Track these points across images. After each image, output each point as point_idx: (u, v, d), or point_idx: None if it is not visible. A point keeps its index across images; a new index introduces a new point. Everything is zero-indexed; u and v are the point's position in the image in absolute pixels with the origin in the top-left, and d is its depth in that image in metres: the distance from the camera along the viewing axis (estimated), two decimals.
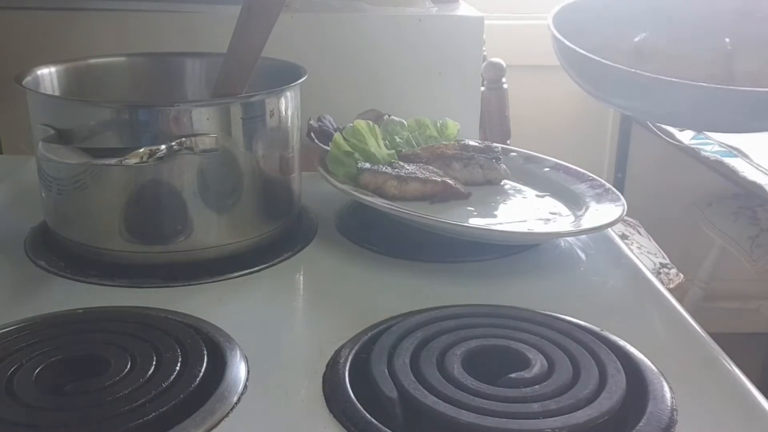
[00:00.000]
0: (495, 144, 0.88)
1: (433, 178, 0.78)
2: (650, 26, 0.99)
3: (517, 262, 0.72)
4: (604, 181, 0.83)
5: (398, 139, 0.87)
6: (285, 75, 0.73)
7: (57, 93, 0.75)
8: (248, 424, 0.47)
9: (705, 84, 0.79)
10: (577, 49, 0.84)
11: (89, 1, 0.98)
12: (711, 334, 0.59)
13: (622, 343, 0.55)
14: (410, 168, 0.79)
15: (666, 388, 0.50)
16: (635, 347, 0.55)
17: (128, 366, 0.50)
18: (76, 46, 0.93)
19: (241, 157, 0.67)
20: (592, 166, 0.90)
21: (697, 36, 0.97)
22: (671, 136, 1.83)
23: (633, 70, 0.81)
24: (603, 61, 0.82)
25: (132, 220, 0.66)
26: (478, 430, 0.45)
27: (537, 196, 0.83)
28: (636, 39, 0.97)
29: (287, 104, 0.70)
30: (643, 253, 1.83)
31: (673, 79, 0.78)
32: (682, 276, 1.81)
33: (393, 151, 0.84)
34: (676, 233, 2.16)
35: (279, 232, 0.73)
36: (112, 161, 0.59)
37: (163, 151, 0.60)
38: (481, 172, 0.84)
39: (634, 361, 0.53)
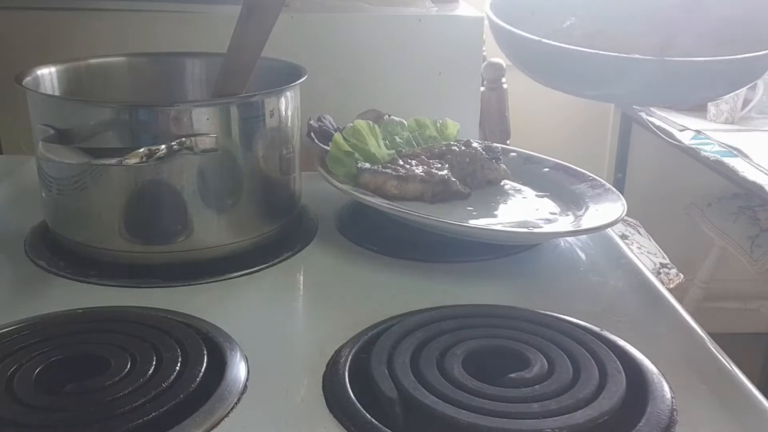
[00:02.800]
0: (495, 144, 0.88)
1: (433, 178, 0.78)
2: (580, 12, 0.98)
3: (517, 262, 0.72)
4: (604, 181, 0.83)
5: (398, 139, 0.86)
6: (285, 75, 0.73)
7: (57, 93, 0.75)
8: (248, 424, 0.47)
9: (632, 55, 0.78)
10: (512, 29, 0.83)
11: (89, 1, 0.98)
12: (711, 334, 0.59)
13: (622, 343, 0.55)
14: (410, 168, 0.79)
15: (666, 388, 0.50)
16: (635, 347, 0.55)
17: (128, 366, 0.50)
18: (76, 46, 0.93)
19: (241, 157, 0.67)
20: (592, 166, 0.90)
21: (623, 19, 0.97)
22: (671, 136, 1.83)
23: (564, 45, 0.80)
24: (532, 37, 0.80)
25: (132, 220, 0.66)
26: (478, 430, 0.45)
27: (537, 196, 0.83)
28: (565, 24, 0.96)
29: (287, 104, 0.70)
30: (643, 253, 1.83)
31: (600, 52, 0.77)
32: (682, 276, 1.81)
33: (393, 151, 0.84)
34: (676, 233, 2.16)
35: (279, 232, 0.73)
36: (112, 161, 0.59)
37: (163, 151, 0.60)
38: (481, 173, 0.84)
39: (634, 361, 0.53)
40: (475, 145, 0.86)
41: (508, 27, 0.83)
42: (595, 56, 0.77)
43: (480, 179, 0.83)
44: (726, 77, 0.81)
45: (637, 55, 0.78)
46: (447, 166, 0.81)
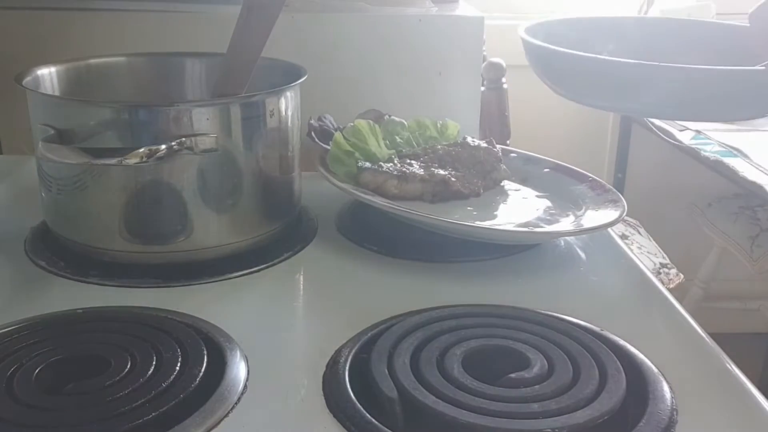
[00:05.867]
0: (495, 144, 0.88)
1: (434, 178, 0.78)
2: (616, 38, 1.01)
3: (517, 262, 0.72)
4: (604, 182, 0.83)
5: (398, 139, 0.87)
6: (285, 75, 0.73)
7: (57, 93, 0.75)
8: (248, 424, 0.47)
9: (688, 65, 0.79)
10: (548, 45, 0.85)
11: (89, 1, 0.98)
12: (711, 334, 0.59)
13: (622, 343, 0.55)
14: (410, 167, 0.79)
15: (666, 388, 0.50)
16: (635, 347, 0.55)
17: (128, 366, 0.50)
18: (76, 46, 0.93)
19: (241, 157, 0.67)
20: (592, 166, 0.90)
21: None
22: (671, 136, 1.83)
23: (619, 59, 0.81)
24: (568, 51, 0.83)
25: (132, 220, 0.66)
26: (478, 430, 0.45)
27: (537, 196, 0.83)
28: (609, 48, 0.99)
29: (287, 104, 0.70)
30: (643, 253, 1.83)
31: (659, 63, 0.78)
32: (682, 276, 1.81)
33: (393, 150, 0.84)
34: (676, 233, 2.16)
35: (279, 232, 0.73)
36: (112, 161, 0.59)
37: (163, 151, 0.60)
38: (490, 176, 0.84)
39: (634, 361, 0.53)
40: (476, 143, 0.86)
41: (545, 45, 0.86)
42: (624, 65, 0.78)
43: (488, 181, 0.83)
44: (759, 89, 0.81)
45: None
46: (451, 171, 0.80)
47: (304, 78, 0.72)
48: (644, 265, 0.73)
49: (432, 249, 0.72)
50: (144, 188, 0.65)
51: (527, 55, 0.93)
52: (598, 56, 0.85)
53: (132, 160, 0.59)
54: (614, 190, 0.81)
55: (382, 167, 0.78)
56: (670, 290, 0.68)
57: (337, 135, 0.81)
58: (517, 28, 0.94)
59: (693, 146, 1.74)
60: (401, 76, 1.00)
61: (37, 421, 0.45)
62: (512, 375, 0.50)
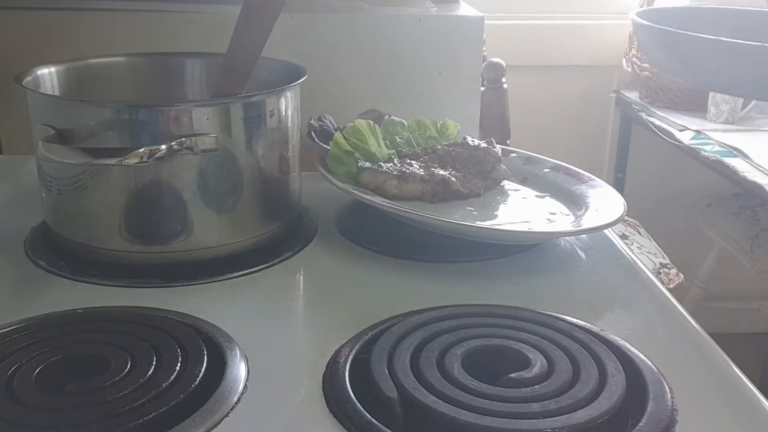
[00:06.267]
0: (495, 144, 0.88)
1: (434, 178, 0.78)
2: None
3: (517, 262, 0.72)
4: (603, 182, 0.83)
5: (398, 139, 0.87)
6: (285, 75, 0.73)
7: (57, 93, 0.75)
8: (248, 424, 0.47)
9: None
10: (678, 31, 0.86)
11: (89, 1, 0.98)
12: (711, 334, 0.59)
13: (622, 343, 0.55)
14: (410, 167, 0.79)
15: (666, 388, 0.50)
16: (635, 347, 0.55)
17: (128, 366, 0.50)
18: (76, 46, 0.93)
19: (241, 157, 0.67)
20: (592, 166, 0.90)
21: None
22: (671, 136, 1.83)
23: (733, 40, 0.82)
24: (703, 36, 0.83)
25: (132, 220, 0.66)
26: (478, 430, 0.45)
27: (537, 196, 0.83)
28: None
29: (287, 104, 0.70)
30: (643, 253, 1.83)
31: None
32: (682, 276, 1.81)
33: (393, 150, 0.84)
34: (676, 233, 2.16)
35: (279, 232, 0.73)
36: (112, 161, 0.59)
37: (163, 151, 0.60)
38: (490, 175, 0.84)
39: (634, 361, 0.53)
40: (476, 143, 0.86)
41: (666, 28, 0.87)
42: (754, 48, 0.79)
43: (488, 181, 0.83)
44: None
45: None
46: (452, 171, 0.80)
47: (304, 78, 0.72)
48: (644, 265, 0.73)
49: (432, 249, 0.72)
50: (144, 188, 0.65)
51: (643, 39, 0.94)
52: (752, 42, 0.85)
53: (132, 160, 0.59)
54: (614, 190, 0.81)
55: (382, 167, 0.78)
56: (670, 290, 0.68)
57: (337, 135, 0.81)
58: (629, 15, 0.94)
59: (693, 146, 1.74)
60: (401, 76, 1.00)
61: (37, 421, 0.45)
62: (512, 375, 0.50)
